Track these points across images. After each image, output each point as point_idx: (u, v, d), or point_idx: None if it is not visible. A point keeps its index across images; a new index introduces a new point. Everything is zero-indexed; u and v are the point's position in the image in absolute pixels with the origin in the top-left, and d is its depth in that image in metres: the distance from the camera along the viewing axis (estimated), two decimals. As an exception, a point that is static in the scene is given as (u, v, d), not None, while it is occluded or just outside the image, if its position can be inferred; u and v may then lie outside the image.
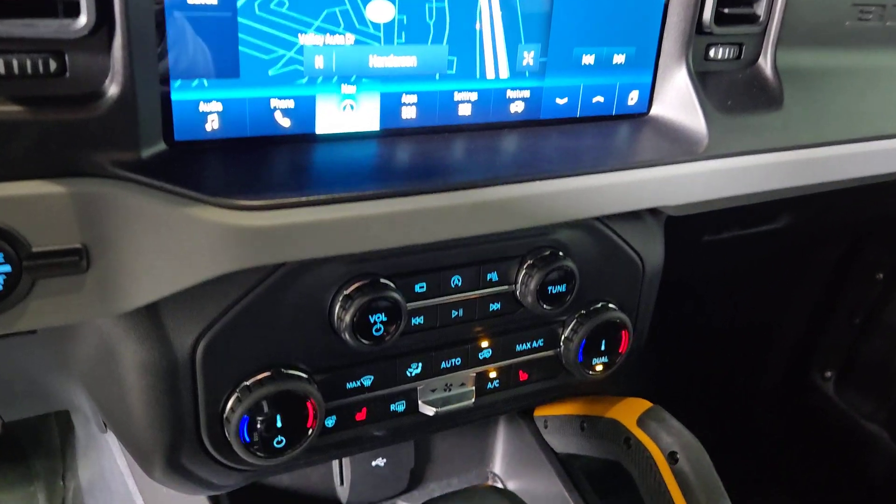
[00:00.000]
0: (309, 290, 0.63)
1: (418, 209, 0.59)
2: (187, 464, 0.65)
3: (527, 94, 0.71)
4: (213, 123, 0.58)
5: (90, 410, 0.86)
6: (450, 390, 0.74)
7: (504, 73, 0.69)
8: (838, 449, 1.62)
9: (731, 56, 0.79)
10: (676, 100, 0.76)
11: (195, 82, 0.57)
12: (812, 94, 0.83)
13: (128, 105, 0.52)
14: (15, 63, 0.48)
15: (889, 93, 0.89)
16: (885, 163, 0.87)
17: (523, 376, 0.79)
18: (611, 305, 0.79)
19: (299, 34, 0.59)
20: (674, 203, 0.73)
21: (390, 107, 0.65)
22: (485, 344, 0.75)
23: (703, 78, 0.77)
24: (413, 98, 0.65)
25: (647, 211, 0.80)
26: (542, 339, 0.78)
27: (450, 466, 1.04)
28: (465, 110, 0.68)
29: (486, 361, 0.76)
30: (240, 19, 0.56)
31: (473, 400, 0.75)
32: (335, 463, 0.95)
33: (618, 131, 0.76)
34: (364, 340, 0.64)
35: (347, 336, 0.63)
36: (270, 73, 0.59)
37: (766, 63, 0.81)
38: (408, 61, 0.64)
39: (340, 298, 0.63)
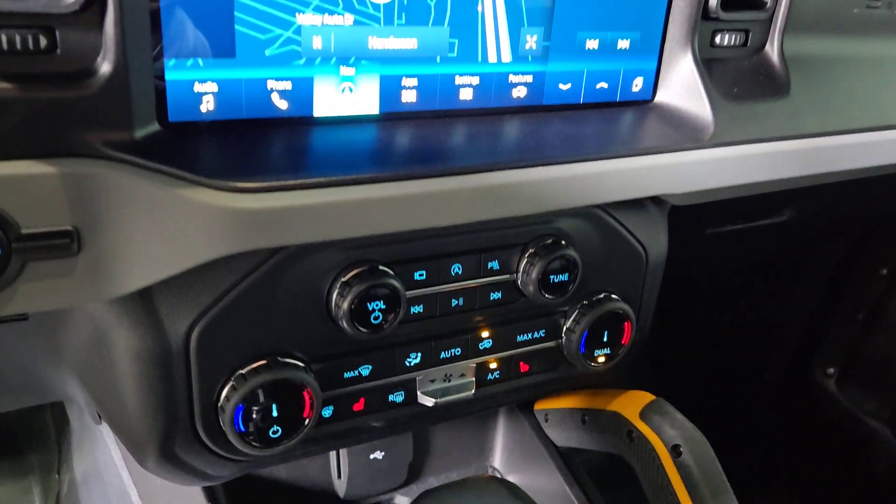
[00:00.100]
0: (306, 276, 0.61)
1: (418, 193, 0.58)
2: (181, 454, 0.64)
3: (529, 78, 0.69)
4: (208, 104, 0.57)
5: (84, 401, 0.85)
6: (449, 381, 0.73)
7: (506, 56, 0.67)
8: (840, 446, 1.61)
9: (737, 43, 0.78)
10: (681, 86, 0.75)
11: (190, 62, 0.55)
12: (819, 82, 0.82)
13: (120, 84, 0.50)
14: (4, 39, 0.47)
15: (897, 82, 0.88)
16: (893, 153, 0.86)
17: (524, 368, 0.77)
18: (613, 296, 0.78)
19: (297, 13, 0.57)
20: (678, 191, 0.72)
21: (390, 90, 0.63)
22: (485, 334, 0.73)
23: (709, 65, 0.76)
24: (413, 81, 0.64)
25: (650, 200, 0.79)
26: (543, 330, 0.77)
27: (449, 460, 1.03)
28: (466, 95, 0.67)
29: (486, 352, 0.74)
30: (236, -3, 0.55)
31: (473, 391, 0.74)
32: (332, 456, 0.94)
33: (622, 118, 0.74)
34: (362, 328, 0.62)
35: (345, 324, 0.62)
36: (267, 53, 0.58)
37: (772, 50, 0.79)
38: (408, 43, 0.62)
39: (338, 285, 0.62)
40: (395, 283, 0.63)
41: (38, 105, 0.48)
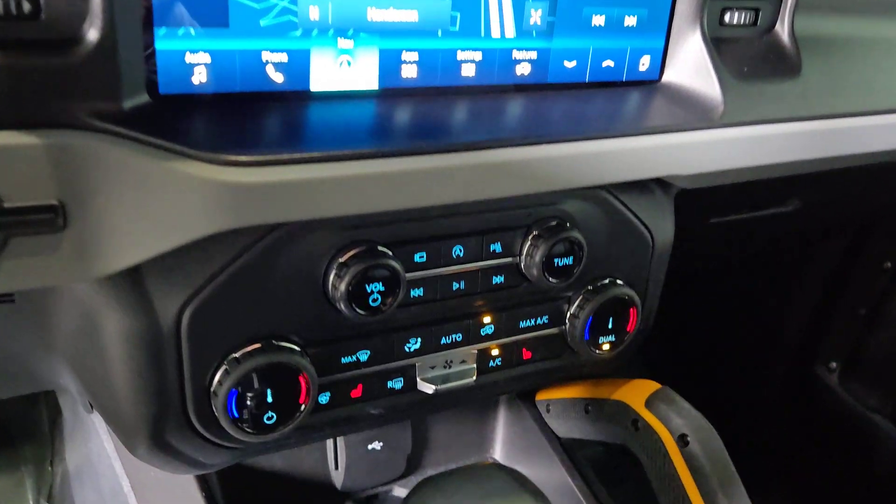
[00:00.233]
0: (302, 256, 0.59)
1: (419, 170, 0.56)
2: (172, 441, 0.62)
3: (533, 55, 0.67)
4: (200, 76, 0.55)
5: (76, 390, 0.83)
6: (450, 367, 0.71)
7: (510, 31, 0.65)
8: (843, 441, 1.59)
9: (747, 21, 0.75)
10: (690, 65, 0.73)
11: (181, 31, 0.53)
12: (831, 63, 0.80)
13: (107, 52, 0.48)
14: (-16, 2, 0.45)
15: (910, 64, 0.86)
16: (906, 137, 0.84)
17: (527, 355, 0.75)
18: (619, 282, 0.76)
19: (293, -18, 0.55)
20: (687, 172, 0.70)
21: (389, 64, 0.61)
22: (487, 320, 0.71)
23: (718, 44, 0.74)
24: (414, 56, 0.62)
25: (657, 184, 0.77)
26: (546, 316, 0.75)
27: (448, 452, 1.01)
28: (468, 71, 0.65)
29: (487, 338, 0.72)
30: (229, -37, 0.53)
31: (475, 378, 0.72)
32: (330, 446, 0.91)
33: (628, 97, 0.72)
34: (360, 311, 0.60)
35: (342, 306, 0.60)
36: (262, 23, 0.55)
37: (783, 30, 0.77)
38: (408, 15, 0.60)
39: (335, 266, 0.60)
40: (395, 264, 0.60)
41: (22, 73, 0.46)
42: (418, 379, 0.70)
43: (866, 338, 1.56)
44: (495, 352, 0.73)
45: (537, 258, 0.68)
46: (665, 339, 1.39)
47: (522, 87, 0.68)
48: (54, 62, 0.47)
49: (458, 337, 0.70)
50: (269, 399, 0.60)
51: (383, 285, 0.60)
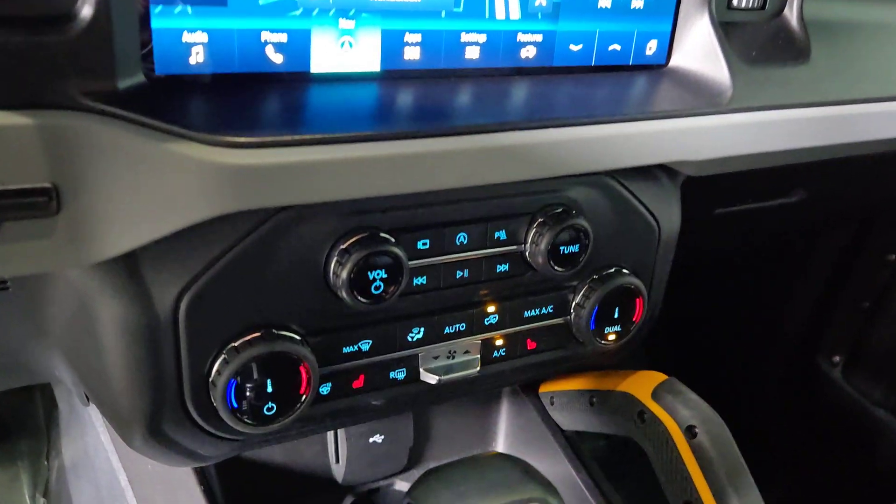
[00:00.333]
0: (303, 242, 0.58)
1: (422, 153, 0.54)
2: (170, 432, 0.60)
3: (539, 38, 0.66)
4: (197, 56, 0.53)
5: (71, 381, 0.81)
6: (453, 358, 0.69)
7: (515, 13, 0.64)
8: (846, 435, 1.58)
9: (755, 5, 0.74)
10: (698, 50, 0.71)
11: (178, 8, 0.52)
12: (840, 48, 0.78)
13: (102, 29, 0.47)
14: (-27, -23, 0.43)
15: (920, 50, 0.84)
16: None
17: (531, 345, 0.74)
18: (625, 271, 0.74)
19: (293, -41, 0.54)
20: (695, 158, 0.69)
21: (392, 46, 0.60)
22: (491, 309, 0.70)
23: (726, 28, 0.72)
24: (417, 37, 0.60)
25: (663, 172, 0.75)
26: (551, 306, 0.73)
27: (450, 445, 0.99)
28: (472, 53, 0.63)
29: (491, 328, 0.71)
30: (227, -61, 0.51)
31: (478, 369, 0.70)
32: (330, 439, 0.90)
33: (635, 82, 0.71)
34: (362, 299, 0.59)
35: (344, 294, 0.58)
36: (261, 1, 0.54)
37: (791, 14, 0.76)
38: (412, -5, 0.59)
39: (337, 253, 0.58)
40: (398, 250, 0.59)
41: (12, 51, 0.44)
42: (421, 369, 0.68)
43: (869, 331, 1.55)
44: (499, 342, 0.72)
45: (542, 246, 0.66)
46: (668, 332, 1.38)
47: (527, 71, 0.67)
48: (46, 40, 0.45)
49: (462, 326, 0.69)
50: (269, 389, 0.59)
51: (386, 272, 0.59)
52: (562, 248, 0.67)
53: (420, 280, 0.64)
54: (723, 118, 0.68)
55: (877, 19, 0.81)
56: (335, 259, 0.58)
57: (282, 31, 0.55)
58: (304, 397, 0.60)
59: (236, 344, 0.58)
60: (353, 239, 0.58)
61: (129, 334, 0.55)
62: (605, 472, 0.89)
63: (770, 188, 1.05)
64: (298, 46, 0.56)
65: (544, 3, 0.64)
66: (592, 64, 0.70)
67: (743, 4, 0.73)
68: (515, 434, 0.97)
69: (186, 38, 0.52)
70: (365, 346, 0.65)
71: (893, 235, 1.48)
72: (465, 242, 0.65)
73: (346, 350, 0.64)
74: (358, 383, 0.66)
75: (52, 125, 0.46)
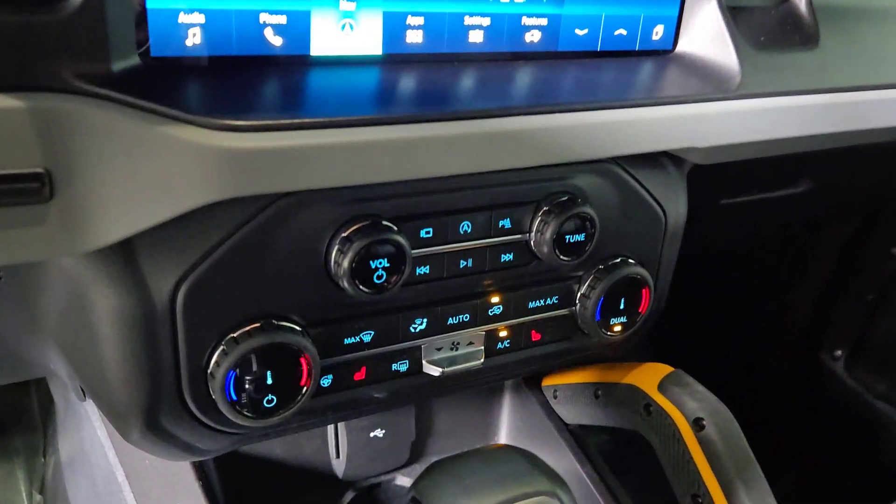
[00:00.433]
0: (303, 230, 0.56)
1: (425, 138, 0.53)
2: (167, 425, 0.59)
3: (544, 21, 0.64)
4: (194, 38, 0.52)
5: (67, 375, 0.80)
6: (457, 349, 0.68)
7: (519, -4, 0.62)
8: (849, 429, 1.57)
9: (763, -10, 0.73)
10: (706, 34, 0.70)
11: (174, -12, 0.50)
12: (849, 34, 0.77)
13: (95, 9, 0.45)
14: (-39, -47, 0.42)
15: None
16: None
17: (536, 337, 0.73)
18: (630, 261, 0.73)
19: (292, -62, 0.52)
20: (703, 145, 0.67)
21: (394, 29, 0.58)
22: (495, 299, 0.68)
23: (734, 13, 0.71)
24: (419, 20, 0.59)
25: (670, 160, 0.74)
26: (556, 297, 0.72)
27: (452, 440, 0.98)
28: (476, 37, 0.62)
29: (495, 319, 0.69)
30: (225, -83, 0.50)
31: (482, 361, 0.69)
32: (330, 433, 0.89)
33: (641, 67, 0.69)
34: (364, 288, 0.57)
35: (345, 283, 0.57)
36: (260, -18, 0.52)
37: (800, -1, 0.74)
38: (414, -24, 0.57)
39: (338, 241, 0.57)
40: (400, 239, 0.57)
41: (1, 31, 0.43)
42: (424, 361, 0.67)
43: (873, 325, 1.54)
44: (503, 333, 0.70)
45: (548, 235, 0.65)
46: (671, 325, 1.37)
47: (531, 56, 0.65)
48: (37, 19, 0.44)
49: (466, 317, 0.67)
50: (269, 381, 0.57)
51: (388, 261, 0.57)
52: (567, 237, 0.65)
53: (423, 270, 0.63)
54: (731, 104, 0.67)
55: (885, 5, 0.80)
56: (336, 247, 0.57)
57: (281, 12, 0.54)
58: (304, 389, 0.59)
59: (235, 335, 0.56)
60: (355, 227, 0.57)
61: (125, 325, 0.54)
62: (609, 466, 0.87)
63: (776, 178, 1.04)
64: (298, 28, 0.55)
65: (549, -14, 0.63)
66: (598, 49, 0.68)
67: (751, -12, 0.72)
68: (518, 428, 0.96)
69: (183, 18, 0.51)
70: (367, 337, 0.63)
71: (898, 228, 1.47)
72: (469, 231, 0.63)
73: (347, 341, 0.62)
74: (359, 375, 0.65)
75: (43, 108, 0.44)
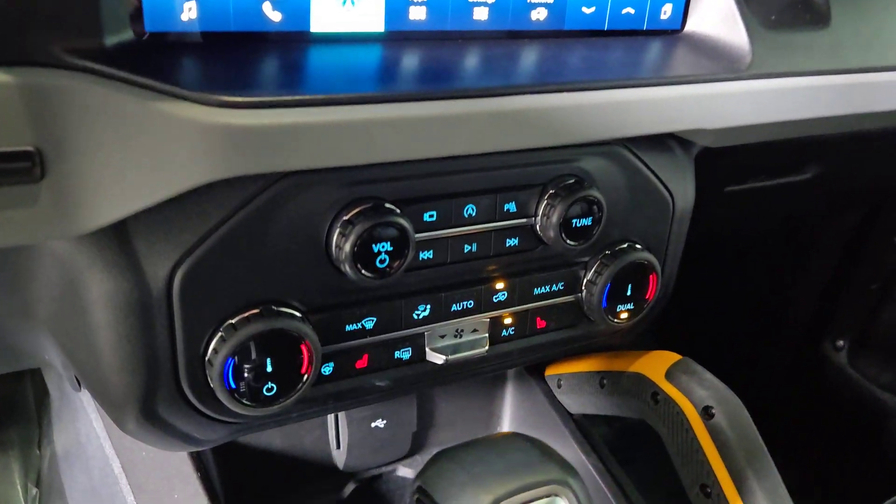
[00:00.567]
0: (303, 213, 0.54)
1: (429, 116, 0.51)
2: (164, 414, 0.57)
3: (550, -1, 0.62)
4: (189, 13, 0.50)
5: (61, 365, 0.78)
6: (461, 337, 0.67)
7: (525, -28, 0.60)
8: (852, 421, 1.56)
9: (774, -32, 0.71)
10: (715, 13, 0.68)
11: (169, -40, 0.48)
12: (861, 14, 0.75)
13: (86, -19, 0.43)
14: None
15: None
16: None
17: (541, 324, 0.71)
18: (638, 246, 0.71)
19: None
20: (713, 126, 0.66)
21: (397, 5, 0.56)
22: (500, 286, 0.67)
23: (743, -8, 0.69)
24: (422, -4, 0.57)
25: (677, 143, 0.72)
26: (562, 283, 0.70)
27: (454, 431, 0.97)
28: (480, 14, 0.60)
29: (500, 305, 0.68)
30: None
31: (486, 348, 0.67)
32: (331, 424, 0.87)
33: (649, 47, 0.68)
34: (366, 273, 0.55)
35: (347, 268, 0.55)
36: (258, -46, 0.51)
37: (811, -23, 0.73)
38: (417, -50, 0.55)
39: (339, 224, 0.55)
40: (403, 222, 0.56)
41: (-10, 4, 0.41)
42: (427, 349, 0.65)
43: (877, 315, 1.53)
44: (508, 320, 0.69)
45: (554, 219, 0.63)
46: (673, 314, 1.36)
47: (537, 34, 0.63)
48: (26, -8, 0.42)
49: (470, 304, 0.66)
50: (269, 369, 0.56)
51: (391, 245, 0.56)
52: (574, 220, 0.64)
53: (426, 254, 0.61)
54: (743, 84, 0.65)
55: (898, -16, 0.78)
56: (338, 231, 0.55)
57: (280, -14, 0.52)
58: (305, 377, 0.57)
59: (234, 321, 0.55)
60: (357, 210, 0.55)
61: (119, 310, 0.52)
62: (614, 456, 0.86)
63: (782, 165, 1.03)
64: (298, 4, 0.53)
65: (556, -38, 0.61)
66: (605, 28, 0.66)
67: (761, -33, 0.70)
68: (522, 418, 0.95)
69: (178, -8, 0.49)
70: (369, 323, 0.62)
71: (902, 218, 1.45)
72: (474, 215, 0.62)
73: (349, 328, 0.61)
74: (361, 363, 0.63)
75: (33, 84, 0.43)
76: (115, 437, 0.82)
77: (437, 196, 0.60)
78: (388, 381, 0.65)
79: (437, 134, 0.52)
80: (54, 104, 0.44)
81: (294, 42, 0.54)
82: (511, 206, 0.63)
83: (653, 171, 0.70)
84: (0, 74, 0.42)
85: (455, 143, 0.54)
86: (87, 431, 0.90)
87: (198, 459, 0.77)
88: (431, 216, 0.60)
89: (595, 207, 0.64)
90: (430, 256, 0.61)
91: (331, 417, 0.87)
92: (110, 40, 0.46)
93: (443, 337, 0.66)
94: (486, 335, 0.68)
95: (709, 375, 0.72)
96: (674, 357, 0.75)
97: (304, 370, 0.57)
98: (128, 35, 0.47)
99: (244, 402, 0.56)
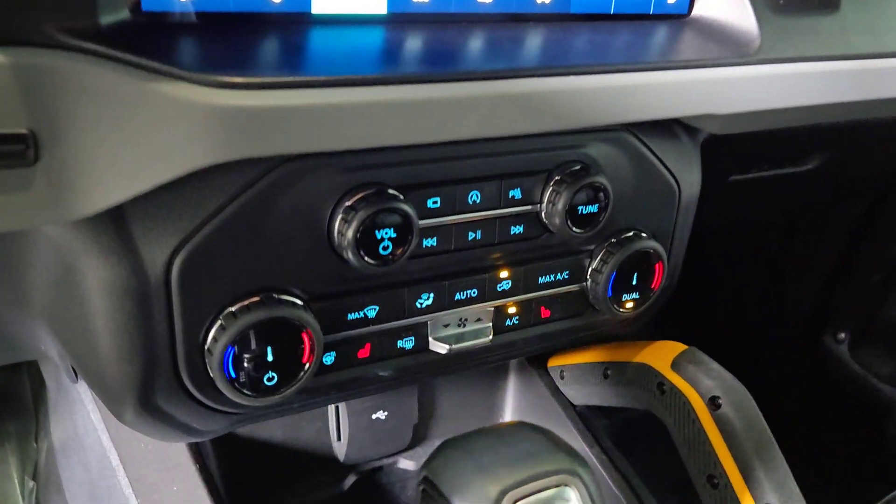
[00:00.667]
0: (305, 198, 0.53)
1: (433, 98, 0.50)
2: (162, 404, 0.56)
3: (556, -19, 0.61)
4: (188, -8, 0.49)
5: (58, 356, 0.77)
6: (464, 326, 0.65)
7: (531, -47, 0.59)
8: (852, 413, 1.55)
9: (782, -49, 0.69)
10: (723, -3, 0.67)
11: (166, -63, 0.47)
12: (870, -1, 0.74)
13: (80, -42, 0.42)
14: None
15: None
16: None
17: (545, 313, 0.70)
18: (643, 234, 0.70)
19: None
20: (722, 111, 0.64)
21: (399, -14, 0.55)
22: (504, 274, 0.66)
23: (751, -24, 0.68)
24: (426, -23, 0.56)
25: (684, 130, 0.71)
26: (567, 272, 0.69)
27: (456, 423, 0.96)
28: (485, -4, 0.59)
29: (504, 294, 0.67)
30: None
31: (490, 338, 0.66)
32: (331, 416, 0.86)
33: (656, 31, 0.66)
34: (369, 260, 0.54)
35: (350, 254, 0.54)
36: (258, -68, 0.49)
37: (820, -39, 0.71)
38: (421, -71, 0.54)
39: (342, 210, 0.54)
40: (407, 208, 0.54)
41: (-20, -19, 0.40)
42: (430, 338, 0.64)
43: (878, 307, 1.52)
44: (512, 309, 0.68)
45: (560, 205, 0.62)
46: (674, 305, 1.35)
47: (543, 17, 0.62)
48: (18, -33, 0.41)
49: (474, 293, 0.65)
50: (270, 358, 0.54)
51: (394, 232, 0.55)
52: (580, 207, 0.63)
53: (430, 242, 0.60)
54: (751, 69, 0.64)
55: (908, -32, 0.77)
56: (340, 217, 0.54)
57: (280, -34, 0.51)
58: (306, 367, 0.56)
59: (234, 309, 0.53)
60: (360, 195, 0.54)
61: (117, 298, 0.51)
62: (619, 448, 0.85)
63: (787, 154, 1.02)
64: (298, -16, 0.52)
65: (562, -56, 0.60)
66: (611, 12, 0.65)
67: (769, -50, 0.69)
68: (524, 410, 0.94)
69: (176, -30, 0.48)
70: (371, 312, 0.60)
71: (906, 209, 1.44)
72: (479, 201, 0.61)
73: (351, 317, 0.60)
74: (364, 353, 0.62)
75: (27, 64, 0.41)
76: (112, 429, 0.81)
77: (442, 182, 0.58)
78: (391, 371, 0.64)
79: (441, 117, 0.51)
80: (48, 85, 0.42)
81: (294, 23, 0.53)
82: (516, 193, 0.62)
83: (659, 159, 0.69)
84: (-8, 55, 0.41)
85: (459, 126, 0.53)
86: (84, 423, 0.89)
87: (197, 451, 0.76)
88: (435, 202, 0.59)
89: (601, 194, 0.63)
90: (434, 244, 0.60)
91: (331, 409, 0.86)
92: (106, 19, 0.44)
93: (446, 326, 0.65)
94: (490, 324, 0.67)
95: (716, 365, 0.71)
96: (680, 347, 0.74)
97: (305, 359, 0.56)
98: (124, 14, 0.46)
99: (244, 391, 0.55)
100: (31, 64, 0.42)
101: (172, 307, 0.52)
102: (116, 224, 0.50)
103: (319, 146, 0.48)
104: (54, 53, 0.42)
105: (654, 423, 0.77)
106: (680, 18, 0.69)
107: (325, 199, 0.54)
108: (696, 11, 0.69)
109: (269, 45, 0.50)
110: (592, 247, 0.69)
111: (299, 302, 0.56)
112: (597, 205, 0.63)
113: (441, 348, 0.64)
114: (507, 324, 0.68)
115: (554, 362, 0.90)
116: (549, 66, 0.55)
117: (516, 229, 0.64)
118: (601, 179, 0.63)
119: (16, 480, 1.18)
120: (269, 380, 0.55)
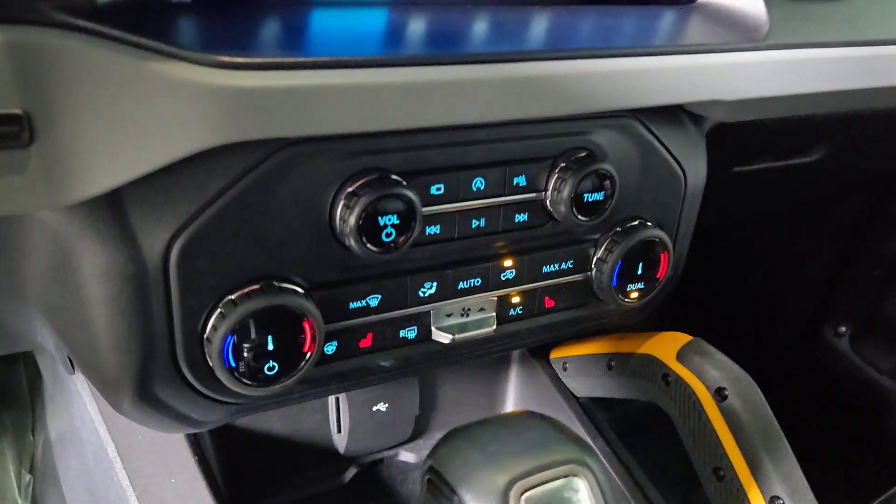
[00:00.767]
0: (307, 184, 0.52)
1: (437, 81, 0.49)
2: (160, 394, 0.55)
3: (562, -36, 0.60)
4: (187, -30, 0.47)
5: (54, 346, 0.76)
6: (468, 316, 0.64)
7: (537, -65, 0.58)
8: (853, 407, 1.55)
9: (791, -65, 0.68)
10: (731, -18, 0.66)
11: (164, -86, 0.46)
12: (879, -16, 0.73)
13: (76, -68, 0.41)
14: None
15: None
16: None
17: (549, 303, 0.69)
18: (649, 223, 0.69)
19: None
20: (730, 97, 0.63)
21: (403, -33, 0.54)
22: (508, 263, 0.65)
23: (760, -40, 0.67)
24: (430, -42, 0.55)
25: (689, 118, 0.70)
26: (571, 261, 0.68)
27: (457, 414, 0.95)
28: (490, -22, 0.58)
29: (508, 283, 0.65)
30: None
31: (494, 328, 0.65)
32: (332, 407, 0.85)
33: (663, 16, 0.65)
34: (371, 247, 0.53)
35: (352, 241, 0.53)
36: None
37: (828, -54, 0.70)
38: None
39: (344, 196, 0.53)
40: (410, 194, 0.53)
41: (-27, -45, 0.39)
42: (433, 328, 0.63)
43: (879, 301, 1.52)
44: (516, 299, 0.67)
45: (565, 193, 0.61)
46: (680, 296, 1.34)
47: (549, 1, 0.61)
48: (10, -57, 0.39)
49: (477, 282, 0.64)
50: (270, 347, 0.53)
51: (397, 219, 0.53)
52: (586, 195, 0.62)
53: (433, 229, 0.59)
54: (760, 55, 0.63)
55: (918, -46, 0.76)
56: (342, 203, 0.53)
57: (281, -55, 0.50)
58: (307, 356, 0.55)
59: (233, 296, 0.52)
60: (362, 181, 0.53)
61: (114, 284, 0.50)
62: (622, 441, 0.84)
63: (791, 146, 1.01)
64: (300, -37, 0.51)
65: (568, -75, 0.59)
66: (618, -4, 0.64)
67: (778, -66, 0.68)
68: (526, 402, 0.93)
69: (174, -52, 0.47)
70: (373, 301, 0.59)
71: (908, 203, 1.44)
72: (483, 188, 0.60)
73: (352, 305, 0.59)
74: (366, 342, 0.61)
75: (20, 42, 0.40)
76: (110, 422, 0.80)
77: (445, 168, 0.57)
78: (393, 361, 0.63)
79: (445, 100, 0.50)
80: (43, 65, 0.41)
81: (296, 5, 0.52)
82: (521, 180, 0.61)
83: (665, 147, 0.68)
84: (-15, 33, 0.40)
85: (464, 110, 0.52)
86: (81, 415, 0.88)
87: (195, 442, 0.75)
88: (439, 189, 0.58)
89: (608, 182, 0.62)
90: (438, 231, 0.59)
91: (331, 400, 0.85)
92: (102, -2, 0.43)
93: (449, 316, 0.64)
94: (494, 314, 0.65)
95: (721, 356, 0.70)
96: (685, 338, 0.73)
97: (306, 349, 0.55)
98: (120, -8, 0.45)
99: (244, 381, 0.54)
100: (25, 42, 0.40)
101: (171, 295, 0.51)
102: (114, 209, 0.49)
103: (321, 129, 0.47)
104: (49, 32, 0.41)
105: (658, 414, 0.76)
106: (688, 3, 0.68)
107: (326, 185, 0.53)
108: (703, -3, 0.68)
109: (270, 26, 0.49)
110: (597, 236, 0.68)
111: (300, 290, 0.54)
112: (603, 192, 0.62)
113: (444, 338, 0.63)
114: (510, 313, 0.67)
115: (556, 354, 0.89)
116: (555, 50, 0.54)
117: (521, 217, 0.63)
118: (607, 166, 0.62)
119: (12, 474, 1.16)
120: (270, 369, 0.54)
